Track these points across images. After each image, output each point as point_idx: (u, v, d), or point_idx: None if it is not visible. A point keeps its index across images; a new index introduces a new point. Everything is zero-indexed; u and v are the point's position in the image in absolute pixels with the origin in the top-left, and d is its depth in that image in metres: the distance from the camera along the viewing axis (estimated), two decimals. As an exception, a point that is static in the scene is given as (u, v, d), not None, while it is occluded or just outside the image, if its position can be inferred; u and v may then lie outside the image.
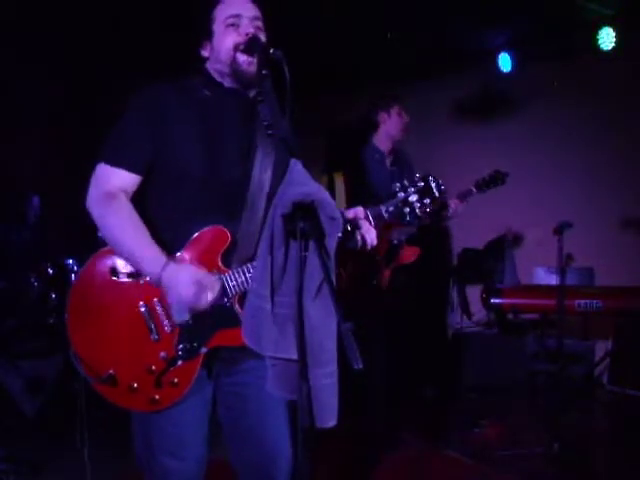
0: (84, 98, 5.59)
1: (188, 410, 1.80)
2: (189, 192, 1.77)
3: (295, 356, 1.50)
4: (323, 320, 1.54)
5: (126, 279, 1.78)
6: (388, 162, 3.88)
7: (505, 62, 5.38)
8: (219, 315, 1.75)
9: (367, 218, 1.84)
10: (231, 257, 1.76)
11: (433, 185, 1.86)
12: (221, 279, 1.74)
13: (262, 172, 1.80)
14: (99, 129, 1.88)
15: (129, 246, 1.74)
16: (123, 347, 1.76)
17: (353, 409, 2.43)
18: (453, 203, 3.77)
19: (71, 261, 4.80)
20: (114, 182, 1.77)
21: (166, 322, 1.75)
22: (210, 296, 1.69)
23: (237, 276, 1.74)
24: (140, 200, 1.83)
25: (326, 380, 1.55)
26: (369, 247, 1.83)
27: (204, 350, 1.75)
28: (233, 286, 1.74)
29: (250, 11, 1.83)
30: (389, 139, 3.84)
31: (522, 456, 3.54)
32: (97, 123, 1.88)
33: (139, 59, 5.02)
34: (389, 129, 3.81)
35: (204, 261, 1.75)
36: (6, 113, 5.25)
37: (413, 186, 1.87)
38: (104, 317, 1.78)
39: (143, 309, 1.76)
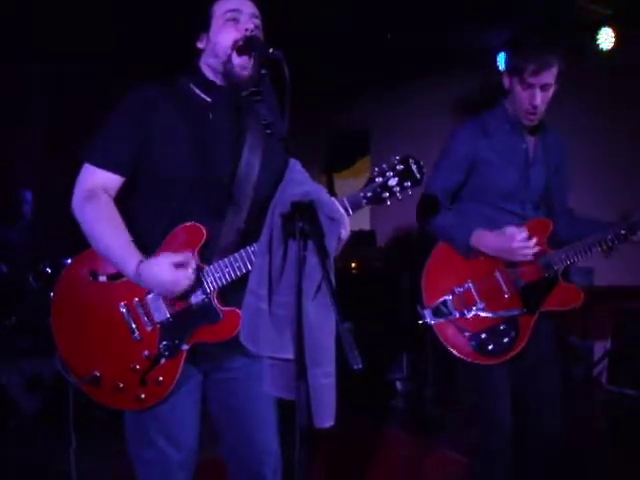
0: (84, 98, 5.59)
1: (176, 409, 1.81)
2: (179, 192, 1.77)
3: (292, 356, 1.49)
4: (322, 320, 1.54)
5: (105, 281, 1.80)
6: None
7: (504, 61, 5.36)
8: (199, 311, 1.76)
9: (345, 207, 1.72)
10: (210, 253, 1.76)
11: (414, 167, 1.73)
12: (198, 273, 1.74)
13: (249, 169, 1.80)
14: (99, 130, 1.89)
15: (106, 245, 1.76)
16: (106, 348, 1.79)
17: (352, 409, 2.42)
18: None
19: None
20: (96, 182, 1.80)
21: (147, 321, 1.77)
22: (191, 272, 1.70)
23: (214, 271, 1.75)
24: (125, 201, 1.84)
25: (324, 380, 1.55)
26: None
27: (185, 347, 1.76)
28: (211, 282, 1.75)
29: (250, 8, 1.84)
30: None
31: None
32: (97, 123, 1.87)
33: (139, 59, 5.03)
34: (512, 101, 2.55)
35: None
36: (6, 113, 5.25)
37: (392, 169, 1.74)
38: (86, 320, 1.81)
39: (124, 310, 1.78)
